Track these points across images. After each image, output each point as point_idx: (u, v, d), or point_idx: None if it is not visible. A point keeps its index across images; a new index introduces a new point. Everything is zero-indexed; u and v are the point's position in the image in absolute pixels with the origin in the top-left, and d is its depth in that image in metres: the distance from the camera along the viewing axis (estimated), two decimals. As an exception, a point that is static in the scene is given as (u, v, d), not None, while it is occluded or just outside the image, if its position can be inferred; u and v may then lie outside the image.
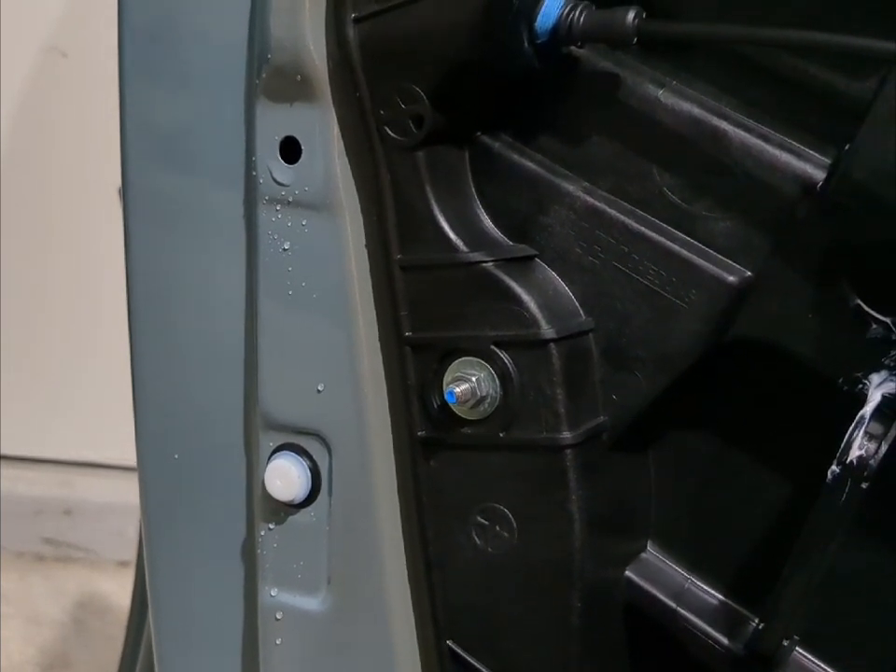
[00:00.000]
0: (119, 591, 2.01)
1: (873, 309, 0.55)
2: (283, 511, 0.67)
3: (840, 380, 0.56)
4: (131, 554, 1.92)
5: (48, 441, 2.22)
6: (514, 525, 0.62)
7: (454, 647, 0.65)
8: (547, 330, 0.59)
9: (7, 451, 2.21)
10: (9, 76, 2.02)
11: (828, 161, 0.56)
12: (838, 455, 0.55)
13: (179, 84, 0.66)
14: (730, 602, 0.63)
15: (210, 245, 0.67)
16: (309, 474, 0.65)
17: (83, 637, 1.97)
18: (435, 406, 0.62)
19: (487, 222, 0.63)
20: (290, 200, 0.63)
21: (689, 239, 0.59)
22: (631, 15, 0.55)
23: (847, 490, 0.55)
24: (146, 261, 0.69)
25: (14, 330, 2.16)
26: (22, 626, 1.98)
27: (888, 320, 0.55)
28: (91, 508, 2.18)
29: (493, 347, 0.60)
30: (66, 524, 2.19)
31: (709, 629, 0.62)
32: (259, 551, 0.68)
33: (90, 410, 2.17)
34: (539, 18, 0.57)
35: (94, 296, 2.10)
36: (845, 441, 0.55)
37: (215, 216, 0.66)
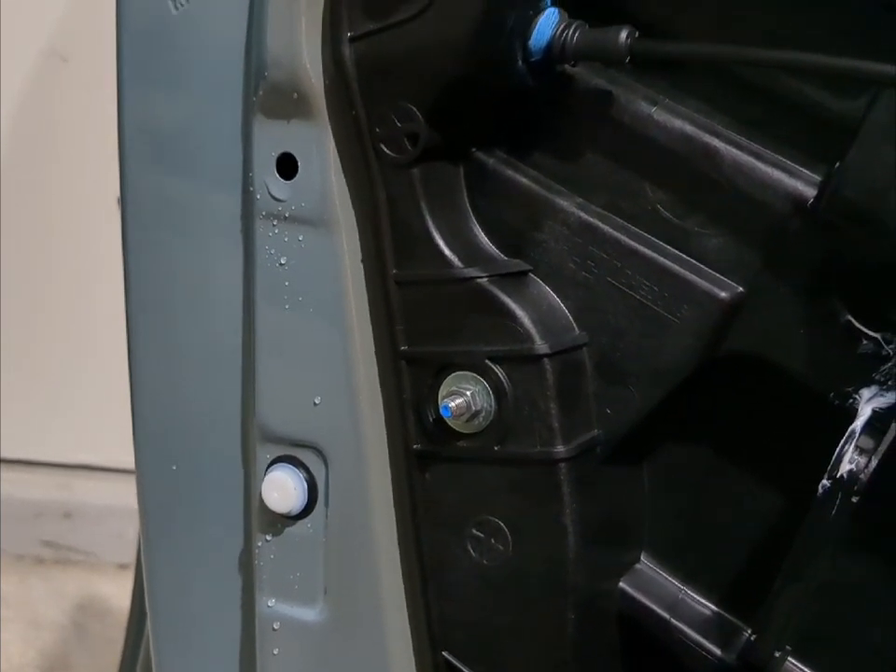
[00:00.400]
0: (118, 593, 2.01)
1: (863, 325, 0.56)
2: (280, 522, 0.67)
3: (831, 394, 0.57)
4: (130, 557, 1.93)
5: (47, 443, 2.22)
6: (509, 537, 0.63)
7: (449, 658, 0.66)
8: (541, 345, 0.60)
9: (6, 454, 2.22)
10: (10, 80, 2.02)
11: (819, 178, 0.57)
12: (829, 469, 0.56)
13: (177, 100, 0.66)
14: (723, 613, 0.64)
15: (207, 259, 0.68)
16: (306, 486, 0.66)
17: (83, 639, 1.98)
18: (430, 420, 0.63)
19: (482, 238, 0.63)
20: (287, 215, 0.63)
21: (681, 255, 0.60)
22: (624, 34, 0.56)
23: (837, 503, 0.56)
24: (143, 274, 0.70)
25: (13, 333, 2.17)
26: (22, 629, 1.99)
27: (878, 336, 0.56)
28: (91, 510, 2.19)
29: (487, 362, 0.61)
30: (66, 526, 2.20)
31: (702, 640, 0.63)
32: (256, 562, 0.68)
33: (89, 412, 2.17)
34: (533, 36, 0.58)
35: (94, 299, 2.11)
36: (835, 455, 0.56)
37: (212, 229, 0.67)
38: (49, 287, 2.16)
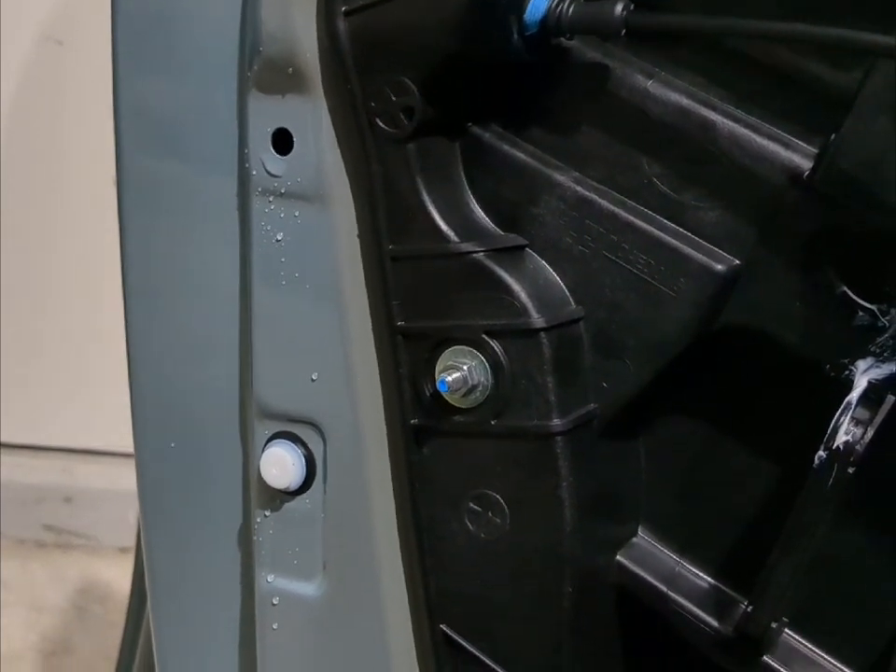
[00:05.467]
0: (119, 577, 2.02)
1: (859, 296, 0.56)
2: (278, 498, 0.67)
3: (827, 366, 0.57)
4: (131, 541, 1.93)
5: (48, 428, 2.22)
6: (506, 511, 0.63)
7: (447, 631, 0.66)
8: (537, 319, 0.60)
9: (7, 439, 2.22)
10: (5, 64, 2.02)
11: (815, 150, 0.57)
12: (825, 440, 0.56)
13: (172, 77, 0.66)
14: (720, 585, 0.64)
15: (204, 237, 0.68)
16: (304, 462, 0.66)
17: (84, 623, 1.98)
18: (427, 394, 0.63)
19: (478, 212, 0.63)
20: (283, 191, 0.63)
21: (678, 228, 0.60)
22: (619, 7, 0.56)
23: (833, 475, 0.56)
24: (140, 253, 0.70)
25: (14, 318, 2.17)
26: (24, 613, 1.99)
27: (874, 307, 0.56)
28: (92, 495, 2.19)
29: (484, 336, 0.61)
30: (67, 511, 2.20)
31: (699, 612, 0.63)
32: (255, 537, 0.69)
33: (90, 397, 2.17)
34: (528, 10, 0.57)
35: (94, 283, 2.11)
36: (831, 426, 0.56)
37: (208, 207, 0.67)
38: (50, 271, 2.16)
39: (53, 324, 2.18)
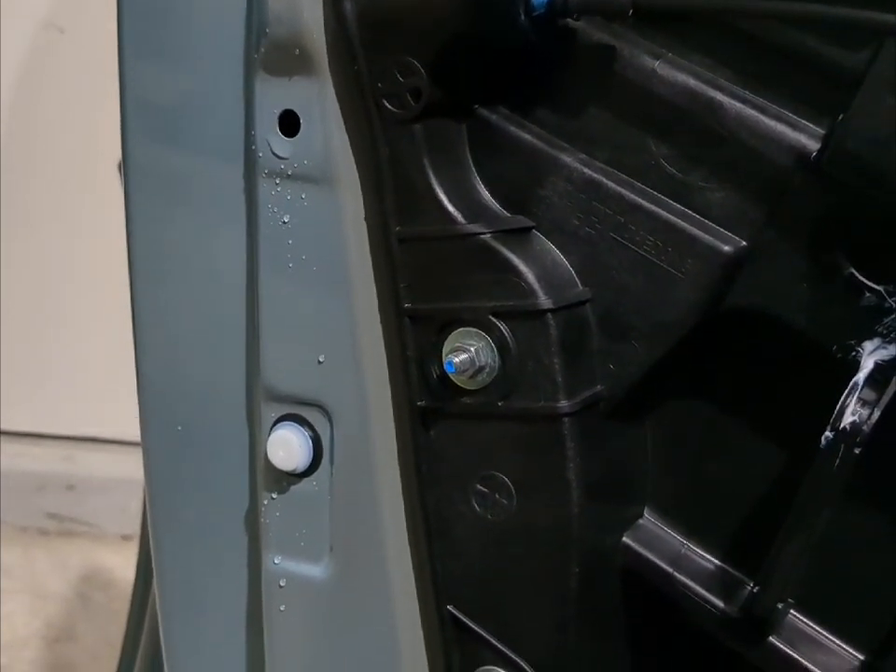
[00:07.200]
0: (122, 564, 2.03)
1: (866, 278, 0.56)
2: (285, 480, 0.68)
3: (833, 347, 0.57)
4: (133, 528, 1.94)
5: (50, 416, 2.23)
6: (513, 492, 0.63)
7: (454, 612, 0.66)
8: (544, 301, 0.60)
9: (9, 426, 2.23)
10: (7, 51, 2.01)
11: (823, 131, 0.57)
12: (831, 421, 0.56)
13: (178, 58, 0.66)
14: (725, 566, 0.64)
15: (211, 219, 0.68)
16: (311, 444, 0.66)
17: (88, 610, 1.99)
18: (434, 376, 0.63)
19: (485, 194, 0.63)
20: (290, 173, 0.63)
21: (685, 209, 0.60)
22: (627, -13, 0.56)
23: (840, 455, 0.56)
24: (147, 236, 0.70)
25: (15, 306, 2.17)
26: (27, 600, 2.00)
27: (880, 288, 0.56)
28: (94, 482, 2.20)
29: (491, 318, 0.61)
30: (69, 498, 2.21)
31: (705, 593, 0.63)
32: (262, 519, 0.69)
33: (92, 385, 2.18)
34: (535, -10, 0.58)
35: (96, 270, 2.11)
36: (838, 407, 0.56)
37: (215, 190, 0.67)
38: (50, 258, 2.16)
39: (55, 311, 2.18)
